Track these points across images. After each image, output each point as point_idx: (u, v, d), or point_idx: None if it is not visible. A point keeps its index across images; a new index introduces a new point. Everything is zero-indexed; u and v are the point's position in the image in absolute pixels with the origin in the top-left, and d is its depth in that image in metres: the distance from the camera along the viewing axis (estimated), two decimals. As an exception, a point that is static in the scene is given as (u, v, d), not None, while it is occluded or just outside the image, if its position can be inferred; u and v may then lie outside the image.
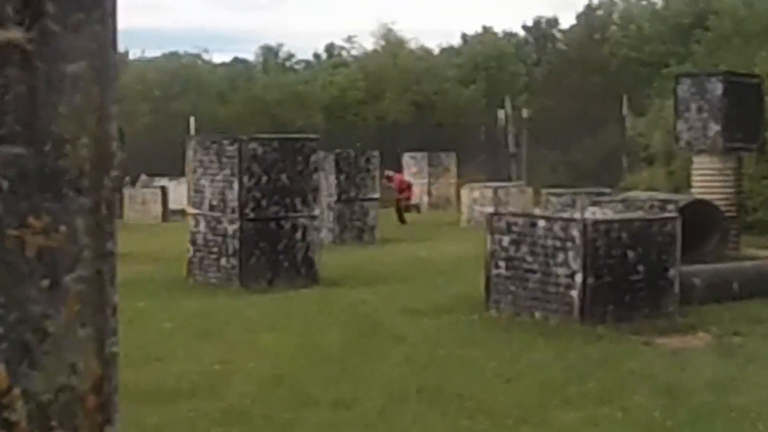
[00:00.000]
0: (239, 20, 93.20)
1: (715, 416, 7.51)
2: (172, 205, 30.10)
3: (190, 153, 15.18)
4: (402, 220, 27.25)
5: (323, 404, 7.88)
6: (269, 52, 54.06)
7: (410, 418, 7.49)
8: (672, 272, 11.27)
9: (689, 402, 7.90)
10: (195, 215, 15.09)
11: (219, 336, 10.65)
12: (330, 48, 56.22)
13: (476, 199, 26.19)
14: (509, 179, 33.27)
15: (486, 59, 49.04)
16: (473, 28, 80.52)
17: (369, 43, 55.57)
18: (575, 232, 10.82)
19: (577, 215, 11.46)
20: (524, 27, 55.66)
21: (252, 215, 14.42)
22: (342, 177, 22.15)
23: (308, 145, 15.07)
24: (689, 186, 18.79)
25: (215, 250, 14.68)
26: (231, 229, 14.47)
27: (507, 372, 8.89)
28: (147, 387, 8.40)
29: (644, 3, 48.53)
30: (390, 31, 48.87)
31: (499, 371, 8.92)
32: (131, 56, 53.84)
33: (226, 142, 14.70)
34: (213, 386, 8.49)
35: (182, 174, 17.73)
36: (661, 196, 16.74)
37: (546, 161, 37.07)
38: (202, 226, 14.89)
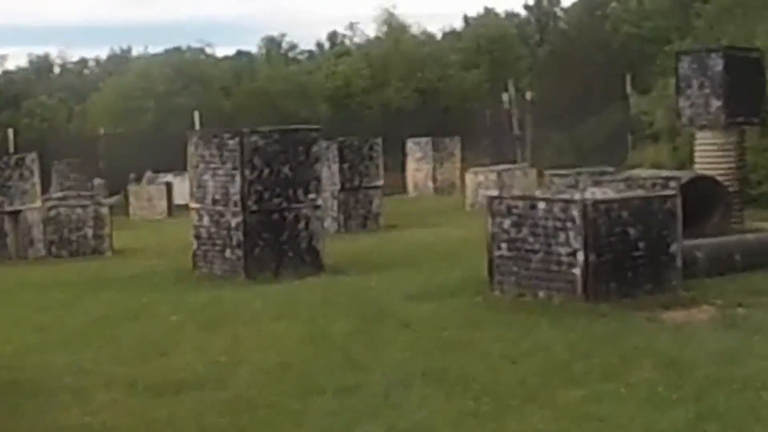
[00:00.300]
0: (241, 9, 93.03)
1: (720, 388, 7.54)
2: (177, 200, 30.13)
3: (191, 148, 15.23)
4: None
5: (329, 391, 7.93)
6: (272, 44, 53.93)
7: (415, 402, 7.55)
8: (674, 247, 11.29)
9: (693, 375, 7.94)
10: (198, 210, 15.14)
11: (225, 327, 10.71)
12: (333, 36, 56.12)
13: (481, 182, 26.20)
14: (515, 162, 33.20)
15: (489, 42, 48.81)
16: (475, 10, 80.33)
17: (371, 30, 55.43)
18: (575, 213, 10.85)
19: (576, 196, 11.47)
20: (526, 6, 55.38)
21: (255, 207, 14.47)
22: (345, 165, 22.18)
23: (309, 136, 15.11)
24: (693, 162, 18.77)
25: (219, 242, 14.74)
26: (234, 221, 14.53)
27: (511, 352, 8.93)
28: (154, 380, 8.48)
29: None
30: (392, 15, 48.70)
31: (503, 352, 8.96)
32: (134, 53, 53.93)
33: (227, 135, 14.74)
34: (219, 377, 8.55)
35: (186, 169, 17.76)
36: (664, 173, 16.72)
37: (551, 142, 36.94)
38: (206, 220, 14.95)
